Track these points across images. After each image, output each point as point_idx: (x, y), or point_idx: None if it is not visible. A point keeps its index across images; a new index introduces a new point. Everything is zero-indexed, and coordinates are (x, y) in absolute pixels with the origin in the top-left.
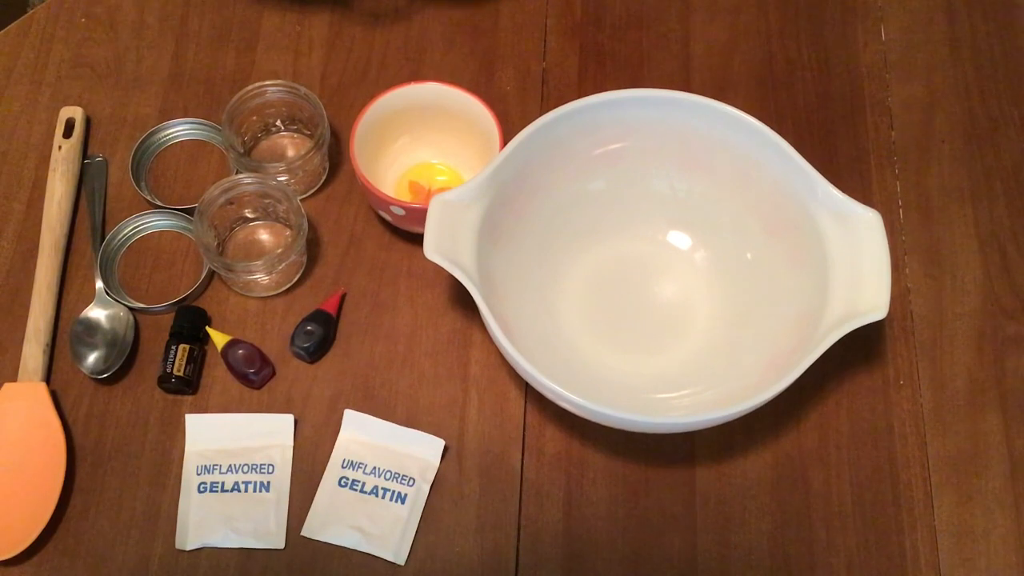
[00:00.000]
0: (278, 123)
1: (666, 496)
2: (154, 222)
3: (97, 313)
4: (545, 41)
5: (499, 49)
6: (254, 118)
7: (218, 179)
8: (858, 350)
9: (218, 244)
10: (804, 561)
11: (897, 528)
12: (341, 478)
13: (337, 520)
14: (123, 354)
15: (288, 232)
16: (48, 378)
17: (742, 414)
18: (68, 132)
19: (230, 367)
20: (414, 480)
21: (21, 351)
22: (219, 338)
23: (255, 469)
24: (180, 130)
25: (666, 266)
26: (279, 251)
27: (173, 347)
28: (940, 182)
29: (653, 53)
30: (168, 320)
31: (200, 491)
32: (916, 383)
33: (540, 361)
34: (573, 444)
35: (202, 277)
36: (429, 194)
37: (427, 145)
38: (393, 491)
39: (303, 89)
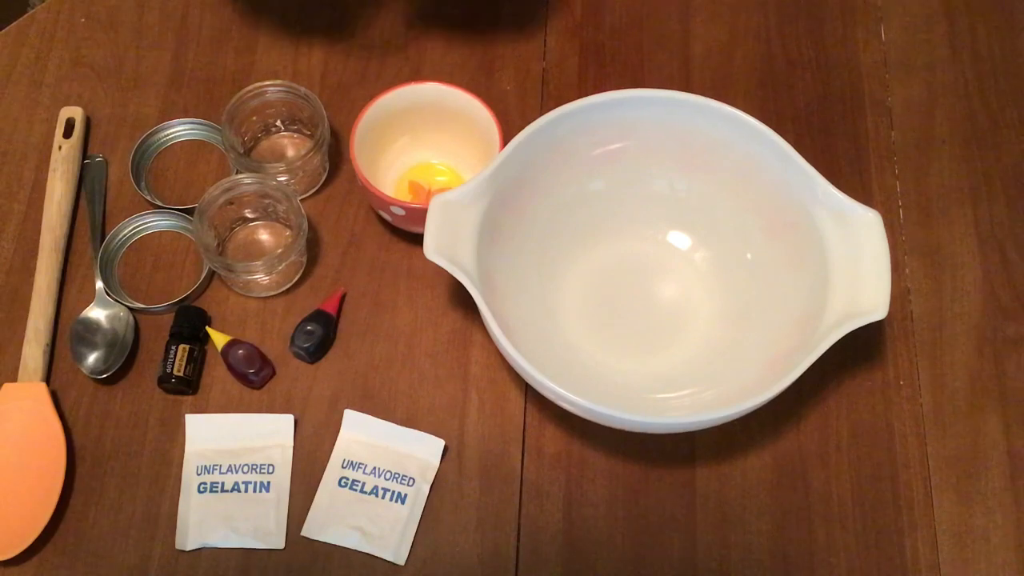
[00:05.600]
0: (278, 123)
1: (666, 496)
2: (154, 222)
3: (97, 313)
4: (545, 41)
5: (499, 49)
6: (254, 118)
7: (218, 179)
8: (858, 350)
9: (218, 244)
10: (804, 561)
11: (897, 528)
12: (341, 478)
13: (337, 520)
14: (123, 354)
15: (288, 232)
16: (48, 378)
17: (742, 414)
18: (68, 132)
19: (230, 367)
20: (414, 480)
21: (21, 351)
22: (219, 338)
23: (255, 469)
24: (180, 130)
25: (666, 266)
26: (279, 251)
27: (173, 347)
28: (940, 182)
29: (653, 53)
30: (168, 320)
31: (200, 491)
32: (916, 383)
33: (540, 361)
34: (573, 444)
35: (202, 277)
36: (429, 194)
37: (427, 145)
38: (393, 491)
39: (303, 89)
